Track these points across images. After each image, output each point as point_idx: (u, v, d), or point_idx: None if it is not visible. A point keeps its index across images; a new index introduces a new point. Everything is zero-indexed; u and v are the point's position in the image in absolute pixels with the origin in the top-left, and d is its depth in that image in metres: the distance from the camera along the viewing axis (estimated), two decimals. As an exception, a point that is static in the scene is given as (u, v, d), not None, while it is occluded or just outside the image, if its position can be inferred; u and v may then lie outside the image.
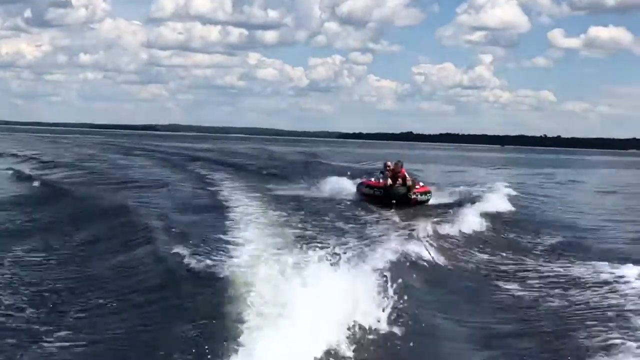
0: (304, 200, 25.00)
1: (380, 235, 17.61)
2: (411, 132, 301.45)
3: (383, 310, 9.32)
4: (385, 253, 13.96)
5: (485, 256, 16.45)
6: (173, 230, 16.70)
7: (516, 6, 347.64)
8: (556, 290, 12.56)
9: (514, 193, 30.32)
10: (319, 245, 15.03)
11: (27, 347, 8.89)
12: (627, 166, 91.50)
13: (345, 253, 10.50)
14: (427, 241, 16.53)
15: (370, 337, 8.93)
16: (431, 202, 25.61)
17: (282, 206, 22.25)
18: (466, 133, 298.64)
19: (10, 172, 33.20)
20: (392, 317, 9.39)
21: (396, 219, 21.46)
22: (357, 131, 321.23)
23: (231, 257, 13.44)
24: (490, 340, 9.98)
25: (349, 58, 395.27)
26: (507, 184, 34.04)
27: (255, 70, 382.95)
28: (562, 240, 18.39)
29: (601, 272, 13.62)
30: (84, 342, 9.20)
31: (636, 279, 12.73)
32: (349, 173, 31.65)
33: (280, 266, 9.57)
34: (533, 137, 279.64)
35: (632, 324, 10.03)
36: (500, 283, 13.65)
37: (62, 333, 9.53)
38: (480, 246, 17.63)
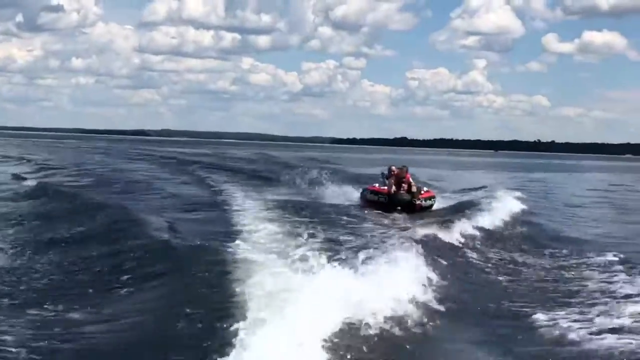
0: (307, 205, 24.62)
1: (382, 237, 17.41)
2: (405, 137, 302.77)
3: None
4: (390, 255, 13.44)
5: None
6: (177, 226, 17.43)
7: (510, 11, 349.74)
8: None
9: (514, 196, 29.93)
10: (323, 246, 15.26)
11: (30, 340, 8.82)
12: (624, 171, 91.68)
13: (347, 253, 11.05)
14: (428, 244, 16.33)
15: (369, 336, 8.81)
16: (435, 207, 25.58)
17: (285, 208, 22.12)
18: (460, 138, 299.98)
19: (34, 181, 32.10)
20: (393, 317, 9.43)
21: (400, 222, 21.55)
22: (350, 136, 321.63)
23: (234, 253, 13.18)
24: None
25: (343, 63, 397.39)
26: (503, 189, 33.89)
27: (248, 75, 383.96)
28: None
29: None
30: (87, 333, 9.27)
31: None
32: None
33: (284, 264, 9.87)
34: (527, 142, 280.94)
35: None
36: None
37: (67, 321, 9.72)
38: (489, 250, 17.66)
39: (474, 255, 16.92)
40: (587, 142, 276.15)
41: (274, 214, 20.47)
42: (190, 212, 22.15)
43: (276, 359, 7.29)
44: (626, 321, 10.49)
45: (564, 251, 17.65)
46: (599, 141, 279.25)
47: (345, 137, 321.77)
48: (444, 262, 14.84)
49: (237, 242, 14.86)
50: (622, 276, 13.95)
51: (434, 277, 12.73)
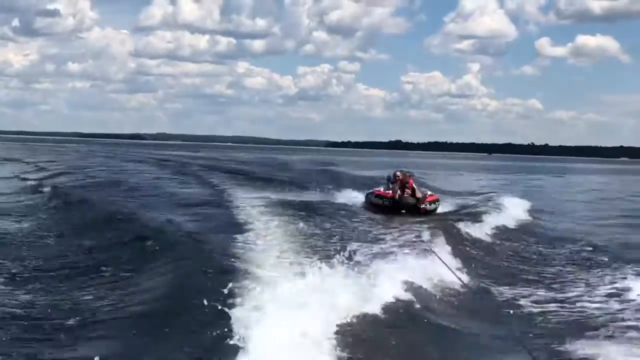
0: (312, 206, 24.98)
1: (386, 238, 17.86)
2: (400, 141, 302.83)
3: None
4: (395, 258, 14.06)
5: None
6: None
7: (503, 15, 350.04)
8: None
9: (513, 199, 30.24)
10: (326, 244, 15.88)
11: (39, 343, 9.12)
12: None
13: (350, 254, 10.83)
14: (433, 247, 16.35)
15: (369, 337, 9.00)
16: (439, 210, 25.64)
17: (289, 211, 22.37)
18: (454, 141, 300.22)
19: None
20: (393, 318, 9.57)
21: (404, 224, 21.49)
22: (345, 140, 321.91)
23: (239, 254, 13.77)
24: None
25: (338, 67, 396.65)
26: (504, 192, 34.45)
27: (243, 79, 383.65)
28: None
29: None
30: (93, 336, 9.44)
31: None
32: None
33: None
34: (520, 145, 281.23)
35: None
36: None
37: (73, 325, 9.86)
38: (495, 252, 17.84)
39: (479, 255, 17.06)
40: (581, 145, 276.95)
41: (280, 214, 20.78)
42: (201, 209, 22.65)
43: (279, 352, 7.49)
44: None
45: (571, 250, 17.85)
46: (592, 144, 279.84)
47: (340, 140, 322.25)
48: (449, 262, 14.66)
49: (245, 240, 15.44)
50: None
51: (437, 275, 12.96)
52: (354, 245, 15.32)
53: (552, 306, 12.02)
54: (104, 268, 13.57)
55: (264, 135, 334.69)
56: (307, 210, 22.94)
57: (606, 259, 16.32)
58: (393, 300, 10.28)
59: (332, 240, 16.78)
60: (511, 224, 23.15)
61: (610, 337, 9.96)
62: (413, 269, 12.60)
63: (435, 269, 13.18)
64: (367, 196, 26.80)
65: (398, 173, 26.03)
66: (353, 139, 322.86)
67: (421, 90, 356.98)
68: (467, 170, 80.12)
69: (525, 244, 19.42)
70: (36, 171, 42.71)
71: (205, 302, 8.90)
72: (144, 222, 18.72)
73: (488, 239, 19.60)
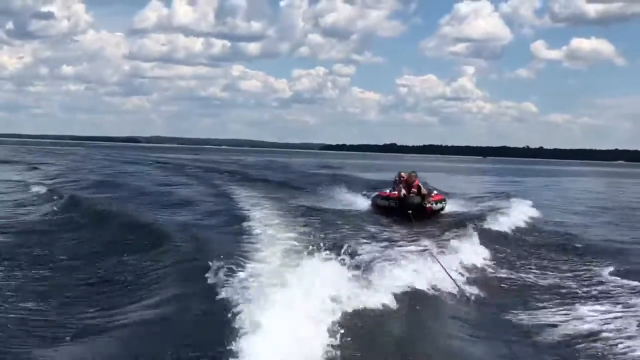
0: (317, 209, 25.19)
1: (391, 239, 18.03)
2: (395, 144, 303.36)
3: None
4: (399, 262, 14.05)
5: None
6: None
7: (498, 18, 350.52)
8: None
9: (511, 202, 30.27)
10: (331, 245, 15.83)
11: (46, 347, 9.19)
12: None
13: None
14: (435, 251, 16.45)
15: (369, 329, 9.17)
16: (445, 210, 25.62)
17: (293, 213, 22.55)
18: (449, 144, 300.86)
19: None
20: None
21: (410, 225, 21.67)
22: (340, 143, 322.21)
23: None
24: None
25: (333, 70, 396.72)
26: (507, 194, 34.53)
27: (238, 82, 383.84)
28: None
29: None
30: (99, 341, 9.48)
31: None
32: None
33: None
34: (515, 149, 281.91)
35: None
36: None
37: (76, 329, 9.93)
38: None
39: (487, 255, 17.02)
40: (575, 148, 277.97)
41: (283, 216, 20.94)
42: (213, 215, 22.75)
43: (277, 352, 7.61)
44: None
45: (579, 257, 17.61)
46: (587, 147, 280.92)
47: (335, 143, 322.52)
48: (453, 263, 15.02)
49: (249, 241, 15.60)
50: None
51: (437, 279, 12.97)
52: (356, 247, 15.66)
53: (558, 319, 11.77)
54: (109, 272, 13.67)
55: (259, 138, 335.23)
56: (311, 212, 22.97)
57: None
58: (393, 302, 10.37)
59: (335, 242, 16.28)
60: (518, 224, 22.97)
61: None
62: (413, 272, 12.65)
63: (436, 273, 13.20)
64: (373, 199, 26.76)
65: (403, 173, 26.11)
66: (348, 142, 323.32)
67: (416, 93, 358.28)
68: (462, 174, 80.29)
69: (530, 248, 19.19)
70: (41, 175, 42.80)
71: (208, 303, 9.25)
72: (146, 223, 18.91)
73: (493, 241, 19.33)
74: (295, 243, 15.74)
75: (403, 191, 24.52)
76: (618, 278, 14.60)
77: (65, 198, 26.05)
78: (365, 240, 17.81)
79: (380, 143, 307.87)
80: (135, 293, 11.96)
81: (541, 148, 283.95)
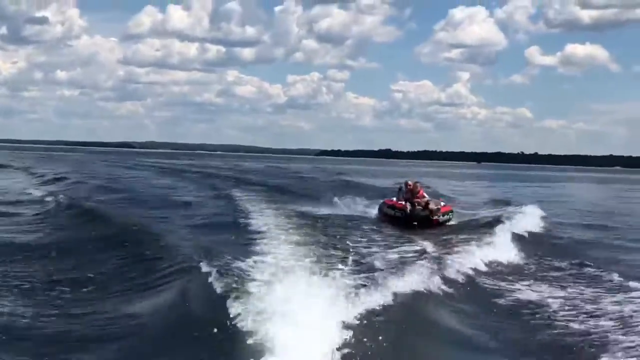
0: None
1: (396, 248, 18.04)
2: (390, 149, 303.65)
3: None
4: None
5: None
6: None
7: (493, 24, 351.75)
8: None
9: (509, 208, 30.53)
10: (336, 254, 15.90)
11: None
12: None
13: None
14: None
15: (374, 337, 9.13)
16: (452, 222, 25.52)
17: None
18: (444, 150, 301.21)
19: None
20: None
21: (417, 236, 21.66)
22: (335, 148, 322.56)
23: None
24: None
25: (327, 75, 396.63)
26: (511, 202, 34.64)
27: (233, 87, 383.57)
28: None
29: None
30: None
31: None
32: None
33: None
34: (510, 154, 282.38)
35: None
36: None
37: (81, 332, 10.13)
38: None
39: (489, 267, 16.88)
40: (570, 154, 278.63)
41: (290, 222, 21.20)
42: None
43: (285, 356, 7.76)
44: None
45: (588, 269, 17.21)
46: (582, 153, 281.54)
47: (330, 148, 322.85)
48: (457, 273, 15.01)
49: (254, 248, 15.84)
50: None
51: (443, 288, 13.10)
52: (363, 253, 15.98)
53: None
54: (110, 279, 13.74)
55: (254, 144, 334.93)
56: (318, 220, 23.12)
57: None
58: (398, 307, 10.45)
59: (341, 249, 16.87)
60: (525, 234, 22.63)
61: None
62: (418, 280, 12.70)
63: (440, 280, 13.26)
64: (380, 206, 26.77)
65: (409, 182, 26.28)
66: (343, 148, 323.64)
67: (411, 99, 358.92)
68: (456, 179, 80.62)
69: (539, 257, 18.98)
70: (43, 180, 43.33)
71: (212, 306, 9.38)
72: (150, 230, 18.99)
73: (500, 254, 18.93)
74: (302, 249, 15.90)
75: (408, 205, 24.59)
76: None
77: (70, 202, 26.18)
78: (370, 246, 17.94)
79: (375, 148, 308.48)
80: (136, 298, 12.05)
81: (536, 154, 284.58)
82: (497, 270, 16.72)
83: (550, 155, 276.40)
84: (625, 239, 24.18)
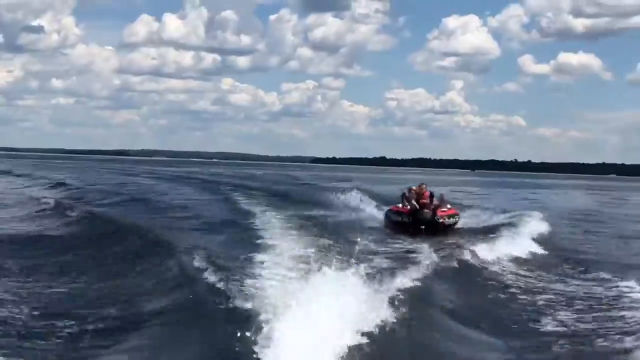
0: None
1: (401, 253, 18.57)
2: (384, 157, 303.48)
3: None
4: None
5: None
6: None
7: (486, 32, 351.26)
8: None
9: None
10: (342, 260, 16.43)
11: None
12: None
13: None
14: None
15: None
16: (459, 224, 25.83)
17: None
18: (438, 158, 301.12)
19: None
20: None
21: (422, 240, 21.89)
22: (330, 156, 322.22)
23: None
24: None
25: (322, 83, 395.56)
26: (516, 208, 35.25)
27: (228, 95, 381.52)
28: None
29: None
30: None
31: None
32: None
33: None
34: (504, 162, 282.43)
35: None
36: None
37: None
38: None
39: (496, 271, 17.31)
40: (564, 162, 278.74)
41: (297, 228, 21.42)
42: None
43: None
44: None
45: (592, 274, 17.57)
46: (575, 161, 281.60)
47: (324, 156, 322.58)
48: (461, 277, 15.54)
49: (260, 254, 16.05)
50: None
51: (448, 292, 13.48)
52: (369, 258, 16.11)
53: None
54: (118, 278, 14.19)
55: (249, 152, 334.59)
56: (324, 226, 23.44)
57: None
58: (403, 311, 10.59)
59: (347, 254, 16.65)
60: (532, 242, 23.01)
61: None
62: (423, 283, 13.07)
63: (444, 283, 13.79)
64: (386, 213, 26.74)
65: (414, 187, 26.26)
66: (338, 155, 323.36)
67: (405, 107, 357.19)
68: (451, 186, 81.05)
69: (548, 268, 19.18)
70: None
71: (219, 311, 9.64)
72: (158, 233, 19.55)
73: (512, 257, 19.71)
74: (309, 254, 15.70)
75: (414, 204, 24.57)
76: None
77: (80, 211, 26.67)
78: (376, 252, 18.22)
79: (370, 156, 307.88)
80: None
81: (529, 162, 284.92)
82: (508, 269, 17.38)
83: (544, 163, 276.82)
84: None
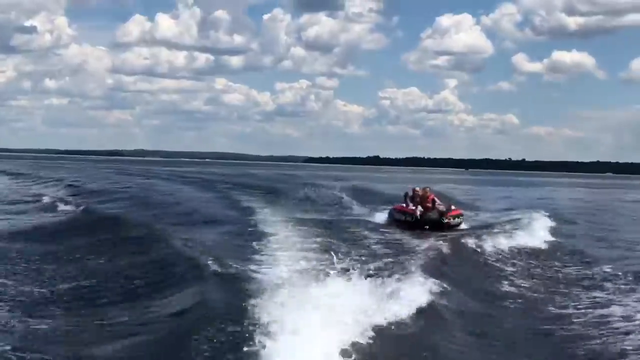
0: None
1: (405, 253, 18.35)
2: (378, 156, 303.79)
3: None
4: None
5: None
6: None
7: (480, 31, 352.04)
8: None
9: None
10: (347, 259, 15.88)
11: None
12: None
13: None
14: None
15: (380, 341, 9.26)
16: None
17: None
18: (432, 157, 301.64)
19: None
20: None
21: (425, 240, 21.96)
22: (324, 155, 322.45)
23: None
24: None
25: (316, 83, 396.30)
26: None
27: (221, 95, 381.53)
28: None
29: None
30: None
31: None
32: None
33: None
34: (497, 161, 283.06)
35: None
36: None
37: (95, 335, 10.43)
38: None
39: (499, 268, 17.38)
40: (557, 161, 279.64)
41: (301, 228, 21.32)
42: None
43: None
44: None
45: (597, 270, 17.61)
46: (569, 159, 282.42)
47: (318, 155, 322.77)
48: (462, 276, 15.55)
49: (265, 254, 15.95)
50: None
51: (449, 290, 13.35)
52: (374, 259, 16.13)
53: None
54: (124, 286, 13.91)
55: (243, 152, 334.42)
56: (328, 225, 23.41)
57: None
58: (409, 313, 10.64)
59: (351, 254, 16.86)
60: (538, 242, 22.95)
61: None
62: (427, 286, 12.92)
63: (446, 286, 13.56)
64: (390, 212, 26.83)
65: (417, 189, 26.29)
66: (331, 155, 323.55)
67: (399, 106, 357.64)
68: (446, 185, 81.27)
69: (555, 263, 19.24)
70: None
71: (223, 314, 9.58)
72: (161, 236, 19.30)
73: (517, 256, 19.78)
74: (314, 255, 16.16)
75: (420, 208, 24.68)
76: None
77: (82, 210, 26.98)
78: (381, 252, 18.24)
79: (364, 155, 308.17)
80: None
81: (523, 160, 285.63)
82: (516, 267, 17.43)
83: (537, 162, 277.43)
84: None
